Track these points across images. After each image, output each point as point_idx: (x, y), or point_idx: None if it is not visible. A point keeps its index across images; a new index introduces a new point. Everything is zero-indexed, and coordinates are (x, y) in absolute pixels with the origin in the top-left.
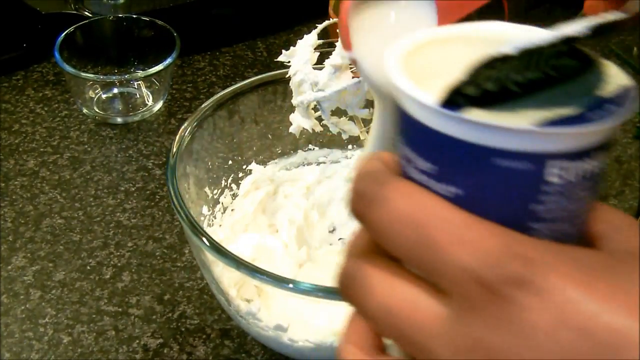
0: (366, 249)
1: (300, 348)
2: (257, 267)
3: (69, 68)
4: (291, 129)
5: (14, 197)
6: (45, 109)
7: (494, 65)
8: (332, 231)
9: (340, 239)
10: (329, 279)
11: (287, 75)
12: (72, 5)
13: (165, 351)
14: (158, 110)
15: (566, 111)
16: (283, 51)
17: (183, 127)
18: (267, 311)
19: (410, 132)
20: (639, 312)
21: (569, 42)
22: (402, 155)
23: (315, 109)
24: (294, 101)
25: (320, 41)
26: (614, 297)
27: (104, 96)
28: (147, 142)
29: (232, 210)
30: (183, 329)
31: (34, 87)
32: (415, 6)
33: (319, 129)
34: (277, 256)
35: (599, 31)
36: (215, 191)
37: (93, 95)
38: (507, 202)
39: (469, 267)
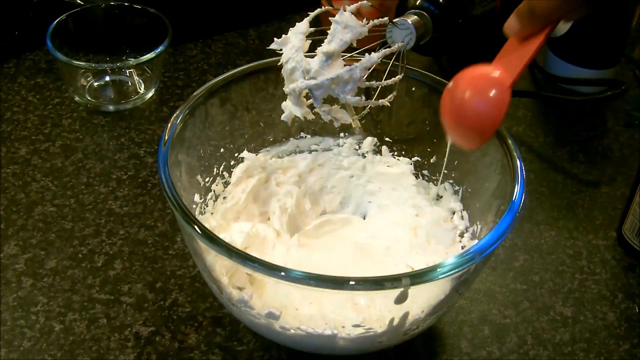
0: None
1: (292, 336)
2: (249, 255)
3: (61, 56)
4: (283, 117)
5: (5, 185)
6: (37, 96)
7: None
8: None
9: None
10: (321, 267)
11: (279, 63)
12: None
13: (157, 339)
14: (150, 98)
15: None
16: (275, 39)
17: (175, 114)
18: (259, 299)
19: None
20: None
21: None
22: None
23: (307, 97)
24: (286, 89)
25: (312, 29)
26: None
27: (95, 84)
28: (139, 130)
29: (224, 198)
30: (175, 317)
31: (25, 75)
32: None
33: (310, 116)
34: (269, 244)
35: None
36: (207, 179)
37: (85, 83)
38: None
39: None
